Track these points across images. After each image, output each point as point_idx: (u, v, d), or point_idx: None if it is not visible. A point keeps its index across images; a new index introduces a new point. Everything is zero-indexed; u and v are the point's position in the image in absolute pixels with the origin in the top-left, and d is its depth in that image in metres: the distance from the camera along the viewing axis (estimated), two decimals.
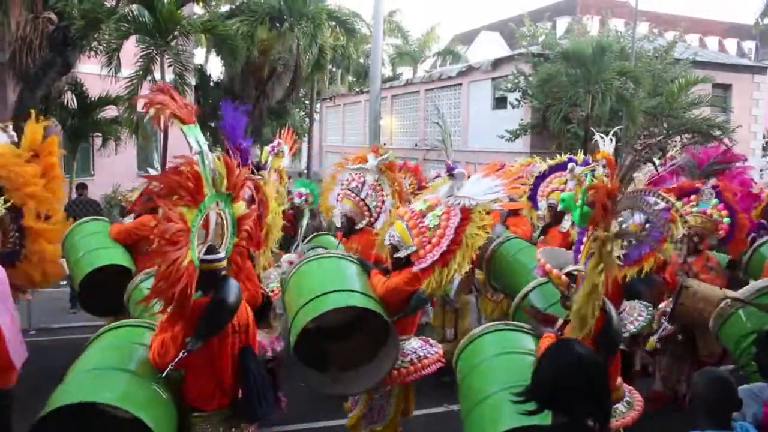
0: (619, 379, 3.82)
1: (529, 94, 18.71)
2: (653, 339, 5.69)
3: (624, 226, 4.82)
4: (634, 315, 4.99)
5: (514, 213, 7.65)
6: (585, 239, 3.58)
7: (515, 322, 4.06)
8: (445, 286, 5.08)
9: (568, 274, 3.60)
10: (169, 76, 14.25)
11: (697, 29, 35.89)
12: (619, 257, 3.38)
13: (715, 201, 5.86)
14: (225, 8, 20.08)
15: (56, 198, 6.15)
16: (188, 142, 3.68)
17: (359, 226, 6.20)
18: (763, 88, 23.15)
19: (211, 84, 21.94)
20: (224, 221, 3.68)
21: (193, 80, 17.38)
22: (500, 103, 21.93)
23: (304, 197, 6.44)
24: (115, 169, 16.80)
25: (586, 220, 3.44)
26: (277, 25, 18.63)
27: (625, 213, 4.91)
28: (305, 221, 6.30)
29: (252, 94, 19.77)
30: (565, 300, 3.65)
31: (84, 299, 6.19)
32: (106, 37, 13.67)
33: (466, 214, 4.44)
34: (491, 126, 20.61)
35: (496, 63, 22.04)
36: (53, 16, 13.20)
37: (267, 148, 6.29)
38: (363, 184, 6.32)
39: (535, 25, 27.92)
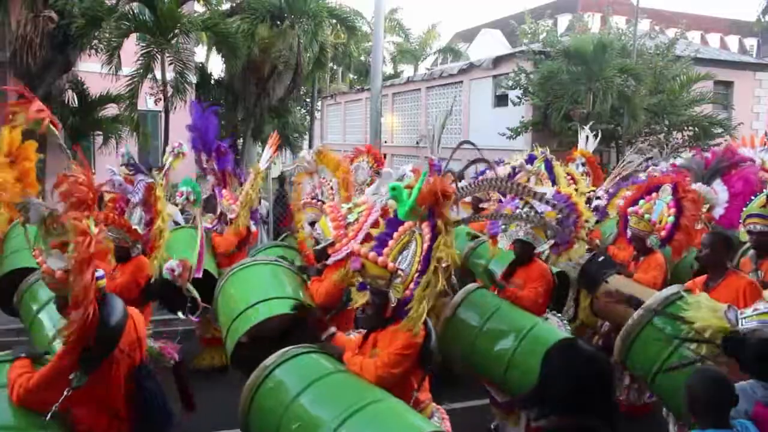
0: (428, 396, 3.67)
1: (530, 92, 18.68)
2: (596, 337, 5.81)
3: (541, 217, 5.07)
4: (555, 323, 5.07)
5: (479, 210, 7.73)
6: (396, 235, 3.62)
7: (308, 345, 3.62)
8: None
9: (397, 268, 3.49)
10: (170, 75, 14.25)
11: (698, 26, 35.84)
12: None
13: (668, 199, 5.79)
14: (225, 6, 20.06)
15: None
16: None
17: None
18: (764, 85, 23.09)
19: (212, 82, 21.91)
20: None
21: (193, 78, 17.36)
22: (501, 100, 21.90)
23: (185, 196, 6.38)
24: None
25: (412, 214, 3.43)
26: (278, 23, 18.59)
27: (525, 208, 5.17)
28: (198, 220, 6.19)
29: (253, 92, 19.73)
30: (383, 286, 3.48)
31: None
32: (107, 35, 13.65)
33: (386, 212, 4.49)
34: (492, 124, 20.58)
35: (497, 60, 22.00)
36: (54, 15, 13.19)
37: (168, 149, 6.35)
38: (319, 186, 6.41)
39: (536, 22, 27.91)
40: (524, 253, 5.18)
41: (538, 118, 18.84)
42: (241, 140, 19.99)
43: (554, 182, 6.86)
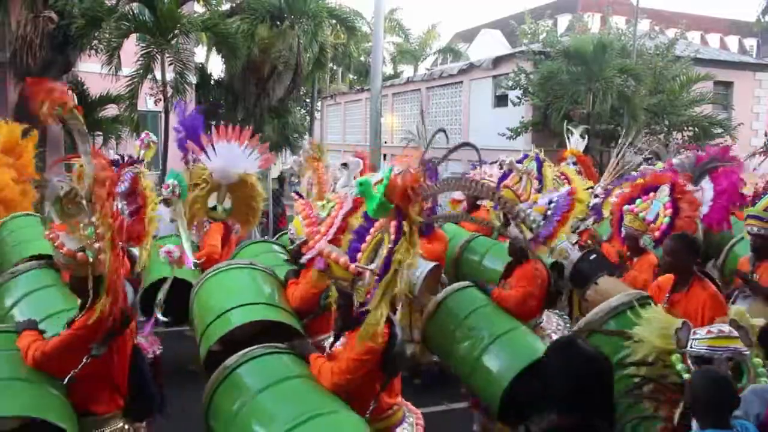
0: (399, 399, 3.55)
1: (530, 92, 18.67)
2: None
3: (528, 211, 5.00)
4: (552, 326, 5.00)
5: (476, 207, 7.66)
6: (372, 230, 3.37)
7: (274, 344, 3.56)
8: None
9: (360, 270, 3.33)
10: (170, 75, 14.25)
11: (698, 26, 35.84)
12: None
13: (665, 199, 5.70)
14: (225, 6, 20.07)
15: (28, 200, 6.13)
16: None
17: None
18: (764, 86, 23.08)
19: (212, 82, 21.91)
20: None
21: (193, 79, 17.37)
22: (501, 100, 21.89)
23: (171, 188, 6.35)
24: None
25: (381, 212, 3.21)
26: (278, 23, 18.60)
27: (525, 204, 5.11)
28: (181, 213, 6.11)
29: (252, 93, 19.73)
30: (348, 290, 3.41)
31: None
32: (107, 35, 13.66)
33: (358, 202, 4.25)
34: (492, 124, 20.57)
35: (497, 61, 22.00)
36: (54, 15, 13.19)
37: (137, 142, 6.30)
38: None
39: (536, 22, 27.92)
40: (514, 252, 5.11)
41: (538, 118, 18.83)
42: None
43: (541, 182, 6.81)
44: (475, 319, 4.50)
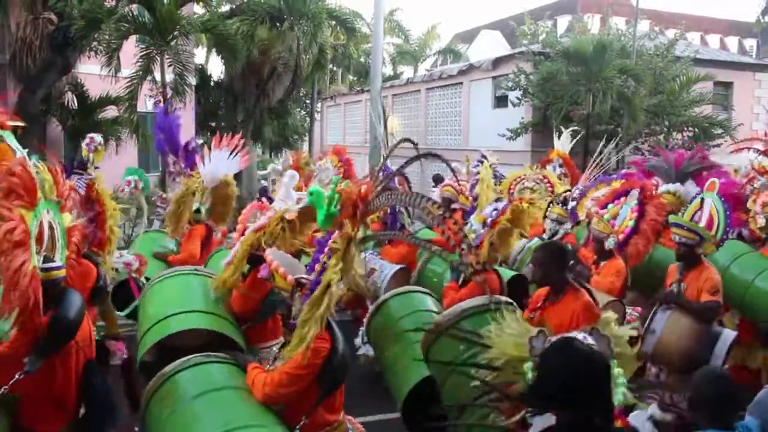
0: (341, 415, 3.40)
1: (529, 93, 18.66)
2: None
3: (471, 221, 4.91)
4: None
5: (453, 211, 7.63)
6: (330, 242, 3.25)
7: (216, 353, 3.50)
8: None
9: (298, 281, 3.22)
10: (169, 76, 14.25)
11: (698, 27, 35.85)
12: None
13: (634, 203, 5.69)
14: (225, 8, 20.08)
15: None
16: (10, 146, 3.49)
17: None
18: (764, 86, 23.07)
19: (212, 84, 21.93)
20: (55, 231, 3.38)
21: (193, 80, 17.38)
22: (501, 101, 21.88)
23: (132, 184, 6.27)
24: (116, 169, 16.81)
25: (330, 222, 3.12)
26: (278, 24, 18.61)
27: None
28: (144, 210, 6.02)
29: (252, 94, 19.75)
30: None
31: None
32: (106, 37, 13.67)
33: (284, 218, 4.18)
34: (492, 125, 20.56)
35: (497, 62, 21.99)
36: (53, 17, 13.22)
37: (83, 146, 6.26)
38: None
39: (536, 23, 27.93)
40: None
41: (537, 119, 18.83)
42: (241, 142, 19.96)
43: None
44: (410, 322, 4.39)
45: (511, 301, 3.91)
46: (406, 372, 4.18)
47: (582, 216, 6.65)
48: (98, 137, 6.33)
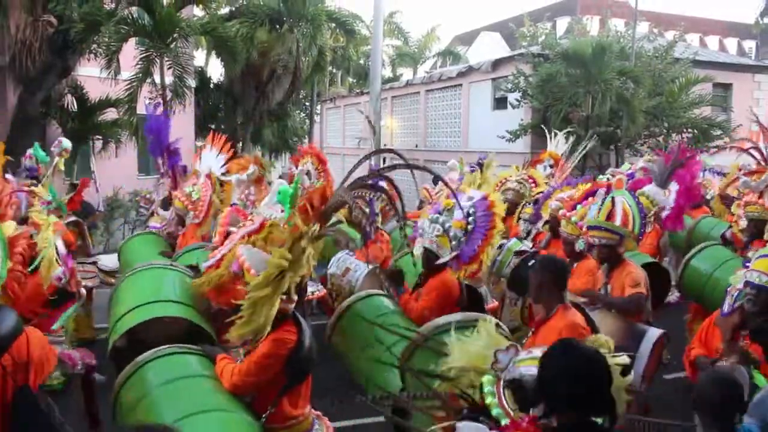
0: (308, 408, 3.44)
1: (529, 95, 18.68)
2: None
3: (447, 226, 4.85)
4: None
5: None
6: None
7: (187, 345, 3.56)
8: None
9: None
10: (169, 79, 14.26)
11: (697, 29, 35.89)
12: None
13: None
14: (224, 10, 20.10)
15: None
16: None
17: None
18: (763, 87, 23.12)
19: (211, 86, 21.94)
20: None
21: (192, 82, 17.38)
22: (500, 103, 21.91)
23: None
24: (115, 172, 16.81)
25: (293, 222, 3.18)
26: (277, 26, 18.63)
27: (444, 215, 4.94)
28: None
29: (252, 96, 19.76)
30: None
31: None
32: (106, 39, 13.67)
33: (262, 225, 4.14)
34: (491, 126, 20.59)
35: (496, 63, 22.02)
36: (53, 19, 13.21)
37: (52, 149, 6.20)
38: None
39: (535, 25, 27.96)
40: (428, 261, 4.88)
41: (537, 120, 18.84)
42: (240, 144, 19.99)
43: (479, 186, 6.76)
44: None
45: (483, 317, 3.69)
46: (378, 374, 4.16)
47: (547, 216, 6.57)
48: (66, 143, 6.27)
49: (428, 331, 3.75)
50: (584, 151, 8.74)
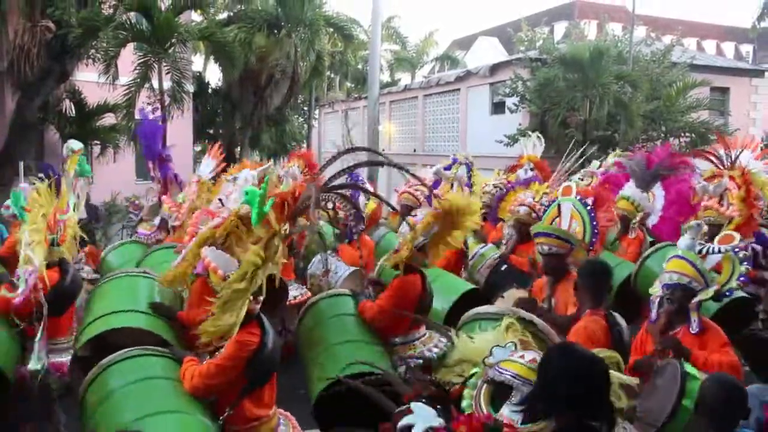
0: (273, 408, 3.42)
1: (527, 99, 18.71)
2: None
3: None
4: (433, 343, 4.50)
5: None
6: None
7: (154, 348, 3.56)
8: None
9: (226, 277, 3.31)
10: (167, 84, 14.28)
11: (694, 33, 35.98)
12: None
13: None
14: (223, 15, 20.15)
15: None
16: None
17: None
18: (761, 91, 23.16)
19: (209, 91, 21.96)
20: None
21: (191, 87, 17.40)
22: (498, 108, 21.93)
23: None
24: (114, 177, 16.80)
25: (262, 221, 3.15)
26: (275, 31, 18.68)
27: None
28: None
29: (250, 101, 19.78)
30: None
31: None
32: (104, 44, 13.70)
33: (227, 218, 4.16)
34: (489, 131, 20.60)
35: (494, 68, 22.05)
36: (51, 25, 13.23)
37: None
38: None
39: (533, 30, 27.98)
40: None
41: (535, 125, 18.83)
42: (239, 149, 20.00)
43: (471, 188, 6.64)
44: (328, 327, 4.40)
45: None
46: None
47: (506, 218, 6.34)
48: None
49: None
50: (583, 157, 8.64)
